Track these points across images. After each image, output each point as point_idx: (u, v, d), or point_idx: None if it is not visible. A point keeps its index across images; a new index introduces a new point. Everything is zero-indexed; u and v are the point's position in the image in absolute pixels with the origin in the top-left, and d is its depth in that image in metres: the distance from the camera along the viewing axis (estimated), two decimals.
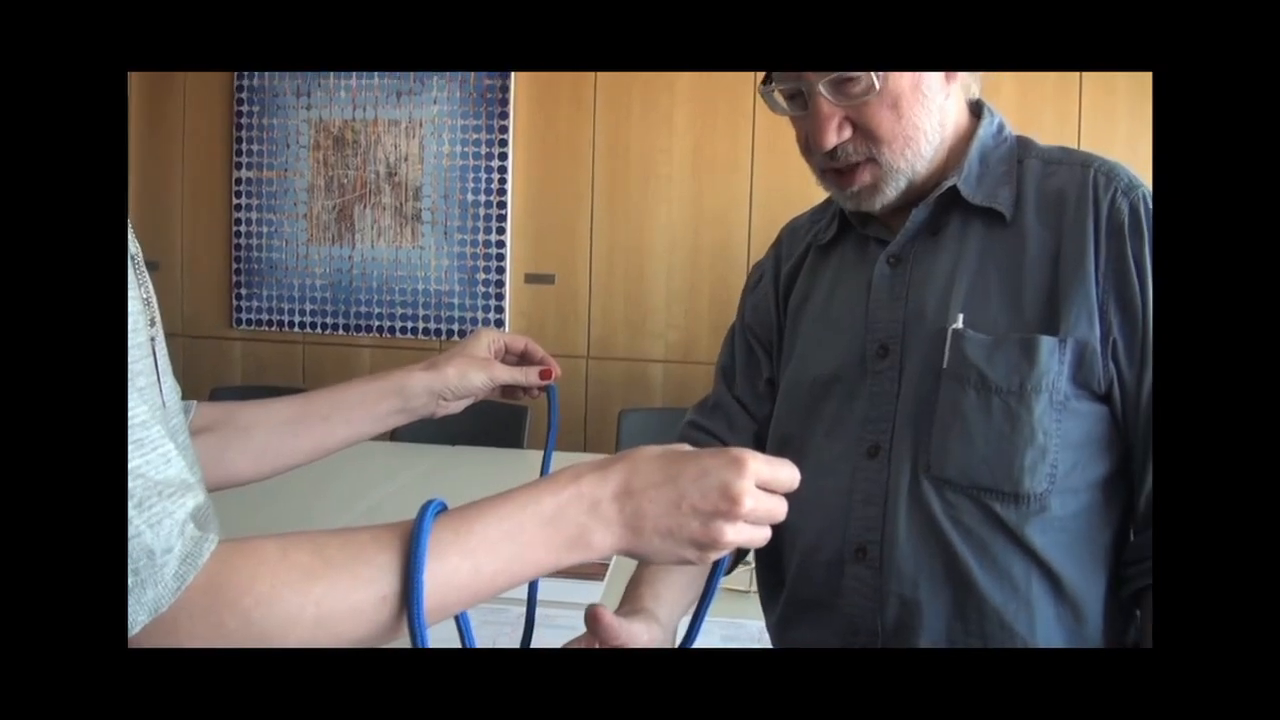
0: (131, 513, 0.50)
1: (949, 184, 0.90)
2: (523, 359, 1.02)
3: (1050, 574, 0.84)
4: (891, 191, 0.90)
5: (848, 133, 0.87)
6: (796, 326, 1.03)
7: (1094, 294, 0.83)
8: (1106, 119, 3.13)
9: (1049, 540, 0.84)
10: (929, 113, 0.88)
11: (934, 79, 0.88)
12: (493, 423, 2.85)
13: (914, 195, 0.92)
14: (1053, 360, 0.82)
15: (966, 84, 0.94)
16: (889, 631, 0.88)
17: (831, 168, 0.91)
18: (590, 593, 1.70)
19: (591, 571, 1.80)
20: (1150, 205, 0.84)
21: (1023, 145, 0.94)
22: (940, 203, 0.91)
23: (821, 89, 0.85)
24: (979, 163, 0.92)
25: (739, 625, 1.52)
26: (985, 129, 0.94)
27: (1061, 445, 0.83)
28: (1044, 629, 0.85)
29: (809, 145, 0.91)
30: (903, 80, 0.85)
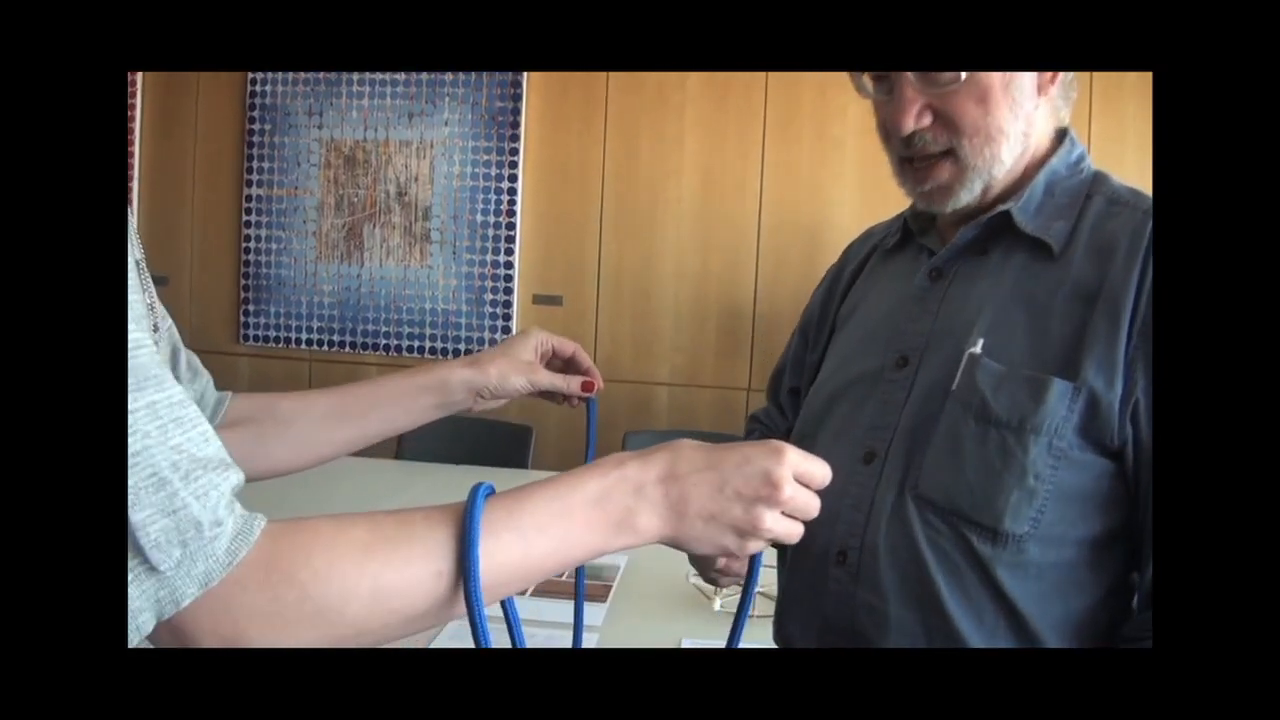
0: (178, 485, 0.50)
1: (1004, 208, 0.88)
2: (569, 365, 1.01)
3: (1018, 620, 0.82)
4: (966, 195, 0.88)
5: (927, 120, 0.86)
6: (844, 327, 1.05)
7: (1123, 348, 0.78)
8: (1116, 122, 3.14)
9: (1022, 586, 0.81)
10: (1016, 116, 0.86)
11: (1026, 82, 0.86)
12: (498, 442, 2.85)
13: (982, 208, 0.91)
14: (1060, 405, 0.79)
15: (1057, 106, 0.92)
16: (859, 639, 0.87)
17: (909, 157, 0.89)
18: (592, 614, 1.70)
19: (595, 594, 1.80)
20: None
21: (1096, 181, 0.91)
22: (990, 225, 0.90)
23: (908, 73, 0.84)
24: (1043, 191, 0.90)
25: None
26: (1061, 158, 0.91)
27: (1054, 493, 0.80)
28: None
29: (889, 130, 0.90)
30: (993, 75, 0.84)
